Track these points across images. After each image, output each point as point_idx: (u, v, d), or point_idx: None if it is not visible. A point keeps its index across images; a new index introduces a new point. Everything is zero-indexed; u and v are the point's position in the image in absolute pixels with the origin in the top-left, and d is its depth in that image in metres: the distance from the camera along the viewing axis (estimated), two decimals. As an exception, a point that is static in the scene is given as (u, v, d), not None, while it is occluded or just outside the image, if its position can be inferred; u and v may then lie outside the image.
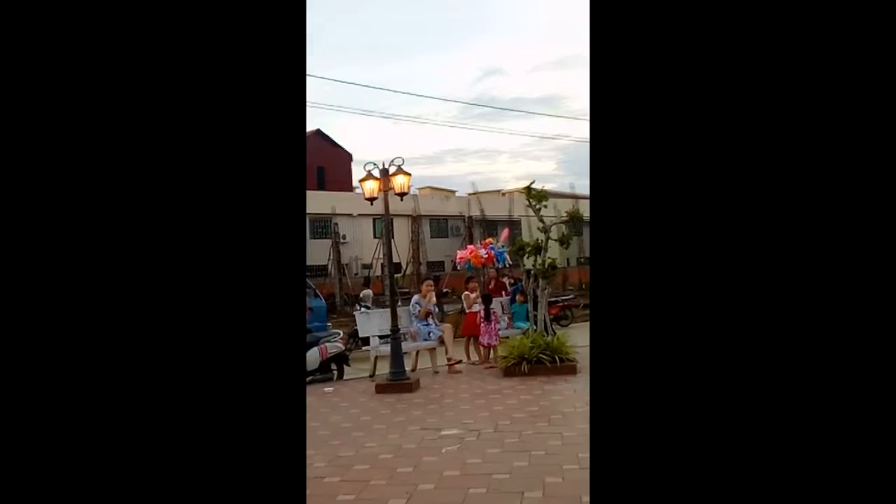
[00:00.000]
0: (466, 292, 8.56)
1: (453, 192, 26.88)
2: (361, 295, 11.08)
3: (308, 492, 2.88)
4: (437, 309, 8.67)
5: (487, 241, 9.72)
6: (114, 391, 1.18)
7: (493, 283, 10.15)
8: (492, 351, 7.98)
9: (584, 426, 4.69)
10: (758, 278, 1.18)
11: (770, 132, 1.19)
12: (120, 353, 1.19)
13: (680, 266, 1.22)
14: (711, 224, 1.21)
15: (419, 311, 7.97)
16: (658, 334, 1.22)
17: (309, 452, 4.22)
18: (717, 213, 1.21)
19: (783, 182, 1.17)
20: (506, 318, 8.76)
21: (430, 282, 8.87)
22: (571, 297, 15.55)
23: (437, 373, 7.63)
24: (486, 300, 8.04)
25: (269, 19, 1.26)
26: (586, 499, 3.18)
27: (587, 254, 21.34)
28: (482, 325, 7.94)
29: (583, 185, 28.20)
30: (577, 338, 8.08)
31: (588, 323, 9.30)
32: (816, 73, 1.16)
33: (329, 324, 10.89)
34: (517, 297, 9.02)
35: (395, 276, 9.74)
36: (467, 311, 8.36)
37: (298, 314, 1.30)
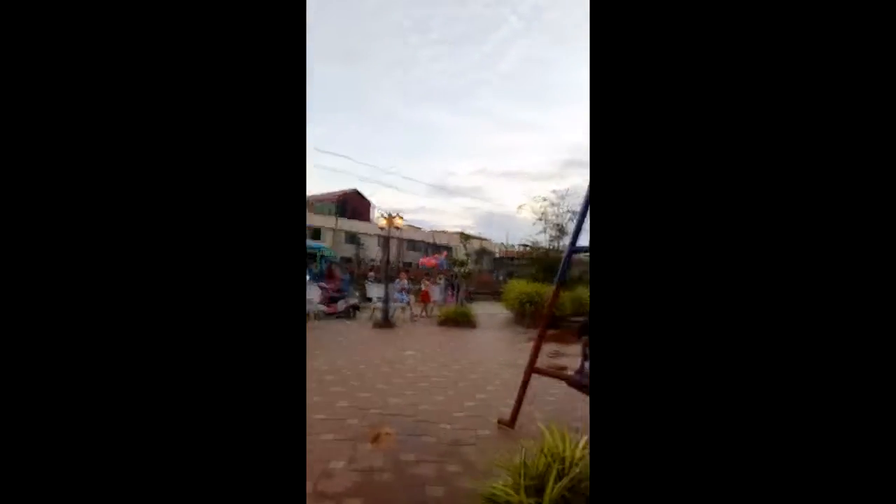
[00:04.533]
0: (425, 280, 13.26)
1: (420, 229, 45.34)
2: (368, 275, 17.16)
3: (331, 381, 4.49)
4: (408, 286, 12.91)
5: (436, 255, 15.71)
6: (114, 385, 1.09)
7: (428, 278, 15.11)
8: (436, 310, 12.37)
9: (478, 353, 6.84)
10: (757, 279, 1.09)
11: (769, 137, 1.09)
12: (120, 349, 1.09)
13: (679, 267, 1.14)
14: (711, 225, 1.12)
15: (399, 286, 12.23)
16: (655, 334, 1.14)
17: (334, 359, 5.98)
18: (718, 214, 1.12)
19: (783, 185, 1.08)
20: (446, 295, 13.52)
21: (404, 273, 13.23)
22: (473, 289, 28.03)
23: (405, 321, 10.96)
24: (448, 284, 12.92)
25: (268, 19, 1.18)
26: (471, 377, 5.25)
27: (483, 266, 35.61)
28: (449, 296, 12.98)
29: (488, 234, 52.17)
30: (477, 309, 12.79)
31: (482, 301, 18.61)
32: (816, 72, 1.08)
33: (351, 288, 15.62)
34: (448, 286, 13.88)
35: (388, 267, 13.51)
36: (424, 289, 13.43)
37: (299, 309, 1.20)
